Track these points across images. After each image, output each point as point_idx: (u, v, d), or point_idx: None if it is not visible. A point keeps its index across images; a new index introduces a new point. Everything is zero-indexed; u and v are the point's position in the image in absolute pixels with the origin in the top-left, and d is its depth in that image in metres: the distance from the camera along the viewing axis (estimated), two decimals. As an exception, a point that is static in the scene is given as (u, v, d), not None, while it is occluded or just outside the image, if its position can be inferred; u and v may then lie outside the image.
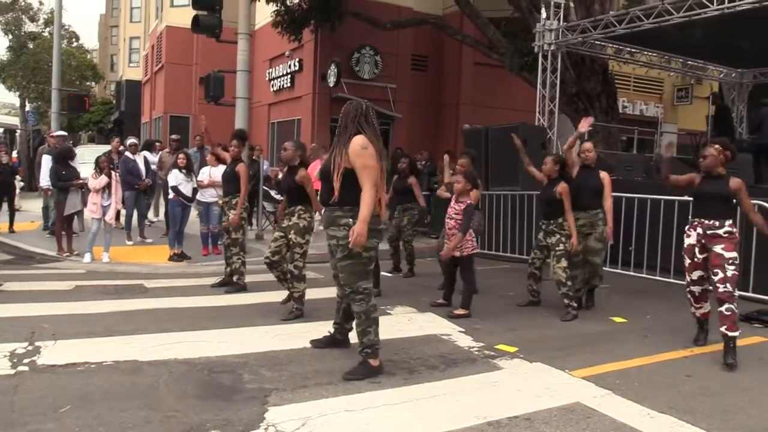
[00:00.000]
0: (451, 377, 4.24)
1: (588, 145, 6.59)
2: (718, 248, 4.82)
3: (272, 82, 19.08)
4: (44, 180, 10.41)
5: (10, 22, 32.80)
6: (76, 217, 9.73)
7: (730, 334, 4.73)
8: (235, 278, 7.18)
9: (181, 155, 9.47)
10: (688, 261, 5.12)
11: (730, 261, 4.77)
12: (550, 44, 11.12)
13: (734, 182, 4.92)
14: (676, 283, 7.21)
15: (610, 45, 12.11)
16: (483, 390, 4.02)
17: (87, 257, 8.81)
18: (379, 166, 4.09)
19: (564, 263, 6.23)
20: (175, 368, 4.19)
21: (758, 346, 5.43)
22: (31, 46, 32.69)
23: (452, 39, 16.15)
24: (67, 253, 9.15)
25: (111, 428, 3.19)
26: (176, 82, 23.67)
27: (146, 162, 11.02)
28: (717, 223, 4.87)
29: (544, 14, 11.15)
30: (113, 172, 8.96)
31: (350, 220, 4.07)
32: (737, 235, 4.89)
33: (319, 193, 4.43)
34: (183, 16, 22.70)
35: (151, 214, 11.69)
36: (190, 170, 9.29)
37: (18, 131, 21.14)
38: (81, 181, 9.24)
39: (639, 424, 3.52)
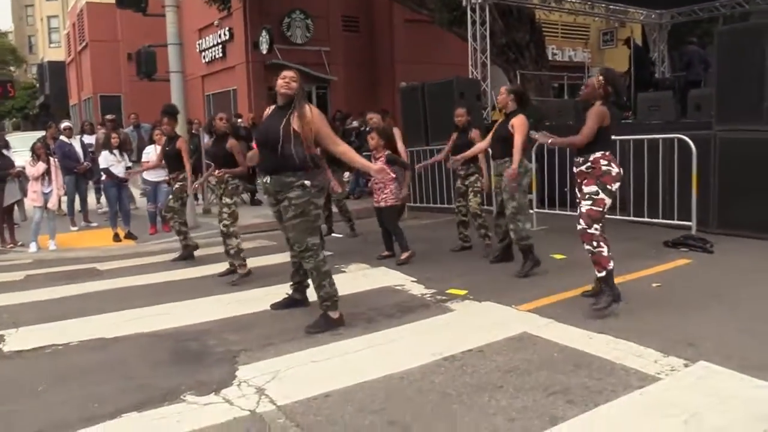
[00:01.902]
0: (408, 322, 4.52)
1: (501, 89, 6.12)
2: (582, 185, 4.57)
3: (203, 53, 18.73)
4: (-23, 172, 10.08)
5: None
6: (16, 207, 9.53)
7: (597, 274, 4.58)
8: (180, 239, 7.43)
9: (113, 135, 9.38)
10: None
11: (588, 196, 4.51)
12: (478, -3, 11.33)
13: (590, 110, 4.56)
14: (615, 218, 7.63)
15: (536, -7, 12.43)
16: (437, 330, 4.32)
17: (33, 246, 8.69)
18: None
19: (479, 198, 6.88)
20: (142, 341, 4.34)
21: (683, 267, 5.92)
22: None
23: (382, -3, 16.18)
24: (11, 245, 9.00)
25: (89, 401, 3.34)
26: (103, 61, 22.90)
27: (83, 145, 10.81)
28: (581, 159, 4.60)
29: (469, -33, 11.33)
30: (51, 158, 8.79)
31: (304, 181, 4.28)
32: (603, 167, 4.47)
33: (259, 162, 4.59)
34: (103, -10, 21.88)
35: (92, 200, 11.44)
36: (121, 150, 9.23)
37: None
38: (17, 170, 9.04)
39: (579, 345, 3.88)
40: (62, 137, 10.53)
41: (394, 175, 5.84)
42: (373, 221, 8.11)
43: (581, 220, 4.53)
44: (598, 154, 4.51)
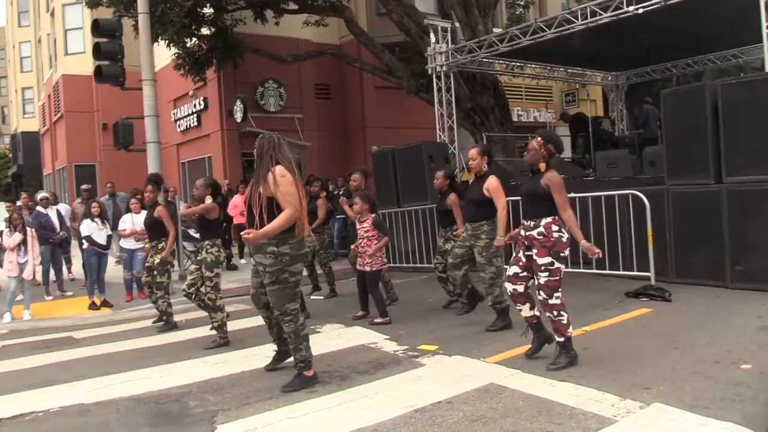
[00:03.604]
0: (380, 378, 4.70)
1: (472, 152, 6.20)
2: (533, 253, 4.65)
3: (178, 122, 19.10)
4: (-47, 244, 10.13)
5: None
6: (-9, 278, 9.57)
7: (556, 338, 4.70)
8: (164, 318, 7.39)
9: (94, 204, 9.56)
10: (514, 254, 4.96)
11: (543, 267, 4.58)
12: (442, 66, 11.94)
13: (547, 177, 4.62)
14: (580, 272, 7.98)
15: (498, 61, 13.09)
16: (409, 385, 4.50)
17: (6, 317, 8.69)
18: (297, 192, 4.44)
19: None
20: (123, 405, 4.44)
21: (643, 317, 6.21)
22: None
23: (352, 66, 16.81)
24: (-15, 316, 8.99)
25: (71, 464, 3.45)
26: (78, 131, 23.13)
27: (59, 215, 10.94)
28: (532, 224, 4.67)
29: (433, 38, 11.97)
30: (28, 229, 8.91)
31: (275, 248, 4.43)
32: (554, 234, 4.57)
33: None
34: (79, 63, 22.37)
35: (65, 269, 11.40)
36: (103, 218, 9.39)
37: None
38: (-6, 241, 9.14)
39: (543, 393, 4.10)
40: (39, 207, 10.67)
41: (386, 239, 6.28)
42: (349, 283, 8.33)
43: (541, 292, 4.63)
44: (549, 219, 4.61)
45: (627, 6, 8.75)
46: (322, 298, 8.79)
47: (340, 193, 12.98)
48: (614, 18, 9.08)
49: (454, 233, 6.92)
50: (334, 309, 7.88)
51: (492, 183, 5.96)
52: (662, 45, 11.85)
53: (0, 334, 8.04)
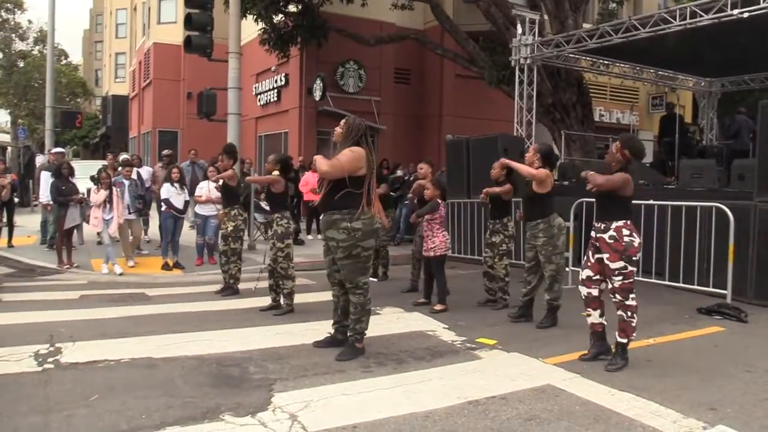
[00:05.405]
0: (436, 366, 4.71)
1: (531, 147, 6.39)
2: (604, 257, 4.66)
3: (259, 96, 19.52)
4: (44, 196, 10.77)
5: (0, 42, 33.23)
6: (75, 230, 10.10)
7: (618, 339, 4.72)
8: (230, 282, 7.64)
9: (174, 169, 9.92)
10: (585, 257, 4.98)
11: (616, 272, 4.61)
12: (526, 58, 11.70)
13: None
14: (651, 282, 7.74)
15: (584, 57, 12.72)
16: (464, 376, 4.49)
17: (117, 268, 9.10)
18: (360, 166, 4.63)
19: (505, 261, 6.97)
20: (187, 363, 4.64)
21: (715, 334, 5.95)
22: (21, 64, 33.09)
23: (433, 53, 16.72)
24: (68, 266, 9.53)
25: (137, 412, 3.63)
26: (164, 98, 24.04)
27: (140, 177, 11.39)
28: (602, 226, 4.68)
29: (519, 29, 11.74)
30: (114, 188, 9.35)
31: (348, 223, 4.59)
32: (625, 239, 4.59)
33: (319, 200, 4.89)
34: (170, 33, 23.20)
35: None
36: (182, 184, 9.74)
37: (9, 147, 21.46)
38: (80, 196, 9.63)
39: (601, 401, 4.00)
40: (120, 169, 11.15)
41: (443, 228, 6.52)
42: (408, 268, 8.36)
43: (617, 295, 4.66)
44: (620, 223, 4.63)
45: (731, 9, 8.31)
46: (375, 280, 8.87)
47: (411, 178, 12.97)
48: (715, 21, 8.65)
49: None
50: (396, 292, 7.92)
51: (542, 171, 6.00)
52: (764, 52, 11.21)
53: (80, 284, 8.53)
